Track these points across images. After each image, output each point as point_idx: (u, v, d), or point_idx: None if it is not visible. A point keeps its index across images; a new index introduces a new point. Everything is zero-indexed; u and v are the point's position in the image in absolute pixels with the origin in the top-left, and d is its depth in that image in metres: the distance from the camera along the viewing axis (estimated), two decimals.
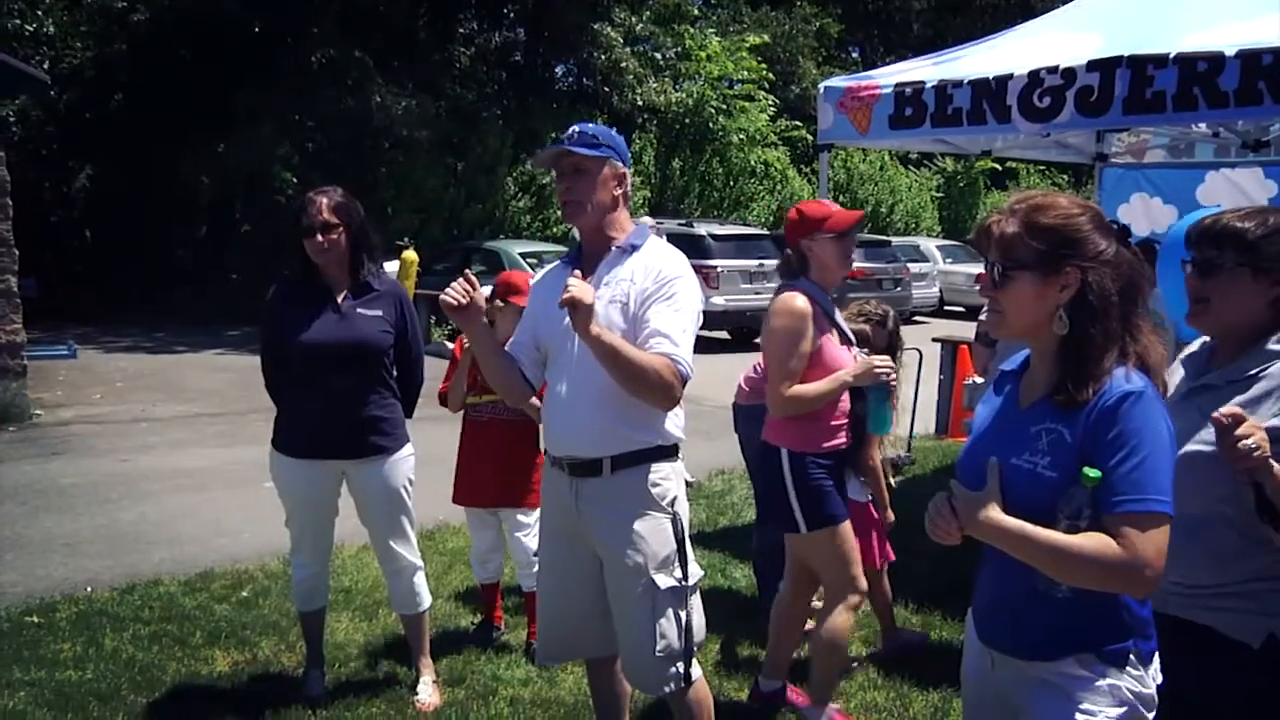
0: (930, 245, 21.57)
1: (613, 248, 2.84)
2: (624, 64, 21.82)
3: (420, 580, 3.87)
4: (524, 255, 15.47)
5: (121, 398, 10.93)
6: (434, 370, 4.04)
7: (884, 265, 17.81)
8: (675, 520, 2.82)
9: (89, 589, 5.05)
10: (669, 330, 2.69)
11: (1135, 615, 1.89)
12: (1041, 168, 29.36)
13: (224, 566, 5.37)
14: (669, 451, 2.84)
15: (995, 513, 1.85)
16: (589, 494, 2.82)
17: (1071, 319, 1.87)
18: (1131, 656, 1.88)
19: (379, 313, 3.65)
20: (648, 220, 8.55)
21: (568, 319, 2.63)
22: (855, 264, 18.01)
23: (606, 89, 22.24)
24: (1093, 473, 1.77)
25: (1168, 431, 1.81)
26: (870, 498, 4.10)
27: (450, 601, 4.88)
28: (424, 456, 3.94)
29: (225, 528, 6.14)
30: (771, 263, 14.82)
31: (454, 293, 2.69)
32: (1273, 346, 2.11)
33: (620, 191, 2.87)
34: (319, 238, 3.56)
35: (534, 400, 3.13)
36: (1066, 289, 1.87)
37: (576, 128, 2.85)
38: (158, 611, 4.73)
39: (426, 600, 3.92)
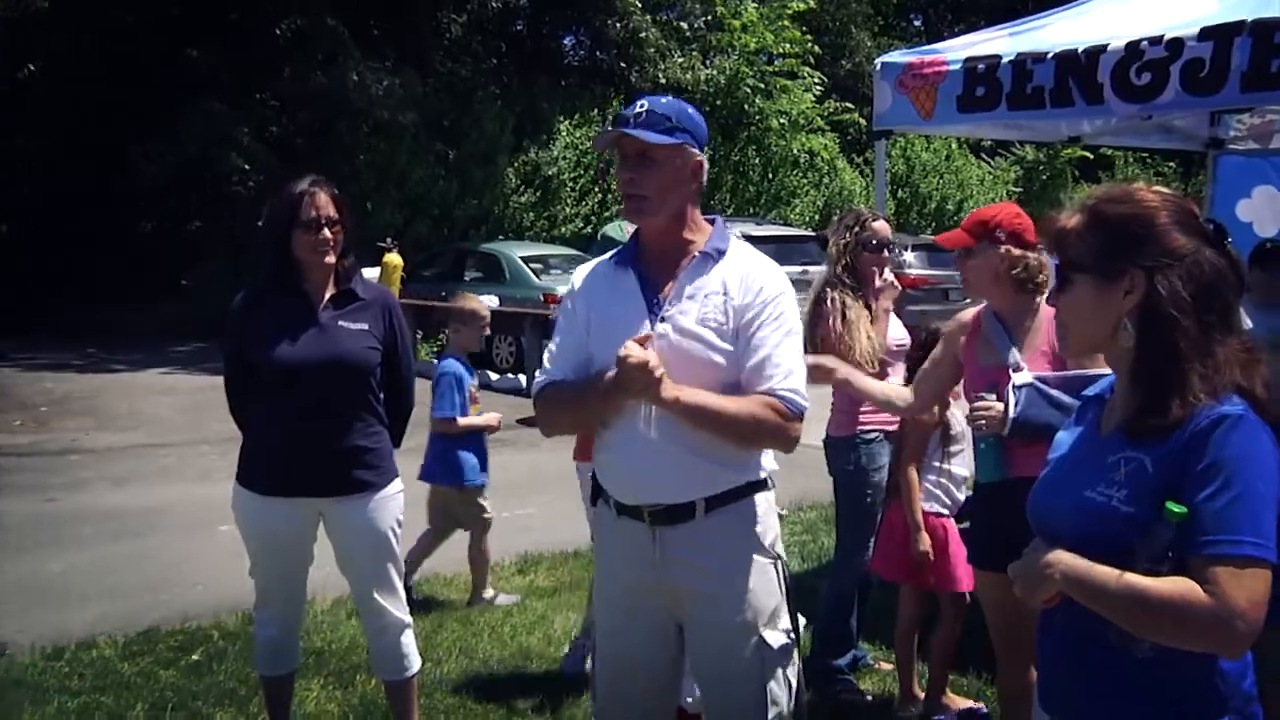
0: None
1: (694, 253, 2.81)
2: (644, 34, 21.97)
3: (408, 639, 3.90)
4: (526, 259, 15.50)
5: (47, 425, 11.05)
6: (423, 394, 4.06)
7: (950, 272, 17.74)
8: (779, 564, 2.83)
9: (4, 653, 5.06)
10: (781, 359, 2.70)
11: (1231, 685, 1.86)
12: (1142, 156, 29.29)
13: (171, 625, 5.41)
14: (764, 484, 2.85)
15: (1058, 553, 1.87)
16: (677, 542, 2.77)
17: (1140, 330, 1.89)
18: None
19: (364, 326, 3.70)
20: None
21: (639, 339, 2.63)
22: (916, 271, 17.75)
23: (623, 64, 22.38)
24: (1178, 508, 1.78)
25: (1274, 464, 1.80)
26: (945, 511, 4.37)
27: (440, 666, 4.90)
28: (410, 495, 3.98)
29: (173, 579, 6.20)
30: (816, 269, 14.76)
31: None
32: None
33: (696, 184, 2.81)
34: (325, 233, 3.61)
35: None
36: (1130, 294, 1.89)
37: (645, 103, 2.75)
38: (89, 680, 4.75)
39: (415, 663, 3.95)
